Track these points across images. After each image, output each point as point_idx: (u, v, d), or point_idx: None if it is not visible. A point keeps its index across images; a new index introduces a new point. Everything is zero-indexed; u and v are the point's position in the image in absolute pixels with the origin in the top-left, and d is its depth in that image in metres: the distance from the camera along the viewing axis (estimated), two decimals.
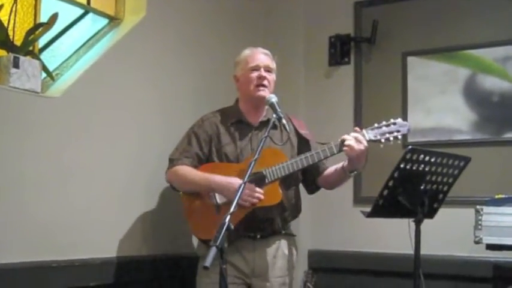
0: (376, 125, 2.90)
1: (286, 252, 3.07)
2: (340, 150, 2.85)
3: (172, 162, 3.06)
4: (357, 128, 2.89)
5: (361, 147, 2.80)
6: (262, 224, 2.97)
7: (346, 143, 2.80)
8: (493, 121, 3.87)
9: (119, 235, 3.19)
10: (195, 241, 3.28)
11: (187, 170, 2.99)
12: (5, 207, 2.63)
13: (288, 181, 2.99)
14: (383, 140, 2.86)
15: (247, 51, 3.12)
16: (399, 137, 2.88)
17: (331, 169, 3.07)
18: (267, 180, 2.87)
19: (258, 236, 2.97)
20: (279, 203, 2.90)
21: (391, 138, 2.87)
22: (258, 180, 2.85)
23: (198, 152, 3.04)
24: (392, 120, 2.89)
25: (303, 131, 3.14)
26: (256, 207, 2.84)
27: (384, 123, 2.89)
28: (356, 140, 2.81)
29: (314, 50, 4.44)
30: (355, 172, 2.95)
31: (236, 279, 2.95)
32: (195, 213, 2.99)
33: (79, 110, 3.00)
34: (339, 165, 3.01)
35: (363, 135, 2.84)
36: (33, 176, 2.76)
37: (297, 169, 2.90)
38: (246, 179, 2.30)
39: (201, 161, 3.04)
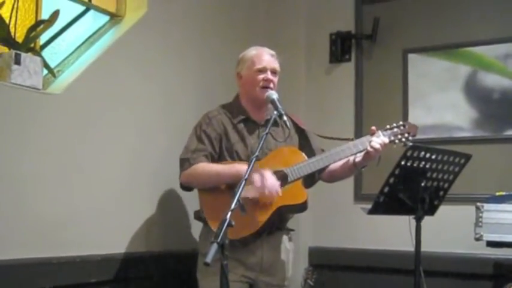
0: (388, 126, 3.01)
1: (288, 246, 3.11)
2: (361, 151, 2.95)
3: (187, 161, 2.96)
4: (373, 128, 2.98)
5: (382, 149, 2.91)
6: (282, 222, 3.02)
7: (373, 144, 2.89)
8: (493, 118, 3.87)
9: (120, 232, 3.19)
10: (196, 237, 3.28)
11: (208, 165, 2.93)
12: (5, 204, 2.63)
13: (307, 179, 3.01)
14: (397, 141, 2.98)
15: (253, 51, 3.09)
16: (410, 138, 2.98)
17: (337, 164, 3.07)
18: (289, 179, 2.87)
19: (266, 233, 2.97)
20: (305, 201, 2.91)
21: (403, 140, 2.98)
22: (280, 179, 2.85)
23: (211, 151, 2.98)
24: (401, 122, 3.02)
25: (304, 126, 3.17)
26: (282, 205, 2.85)
27: (395, 124, 3.01)
28: (381, 144, 2.90)
29: (315, 47, 4.44)
30: (366, 167, 3.04)
31: (243, 277, 2.95)
32: (218, 212, 2.70)
33: (80, 106, 3.00)
34: (348, 161, 3.04)
35: (383, 139, 2.93)
36: (34, 173, 2.76)
37: (319, 168, 2.94)
38: (246, 175, 2.30)
39: (214, 160, 3.00)
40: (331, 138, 3.09)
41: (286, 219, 3.09)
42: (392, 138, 2.97)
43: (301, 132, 3.17)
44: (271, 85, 3.00)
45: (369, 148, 2.90)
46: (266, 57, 3.05)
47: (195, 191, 3.04)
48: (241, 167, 2.74)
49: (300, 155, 2.98)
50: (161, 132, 3.44)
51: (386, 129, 2.99)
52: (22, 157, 2.72)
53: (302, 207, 2.94)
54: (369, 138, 2.93)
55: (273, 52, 3.09)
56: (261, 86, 2.99)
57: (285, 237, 3.10)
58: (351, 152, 2.94)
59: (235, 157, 2.98)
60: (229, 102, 3.17)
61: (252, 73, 3.02)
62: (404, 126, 3.01)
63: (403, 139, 2.98)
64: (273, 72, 3.04)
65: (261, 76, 3.00)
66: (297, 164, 2.90)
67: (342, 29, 4.35)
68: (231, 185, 2.82)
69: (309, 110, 4.30)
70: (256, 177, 2.76)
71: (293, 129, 3.10)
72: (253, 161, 2.36)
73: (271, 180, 2.78)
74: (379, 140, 2.90)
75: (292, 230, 3.16)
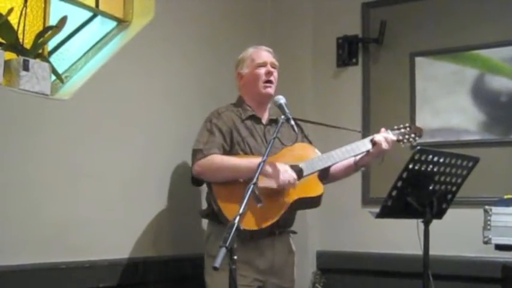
0: (395, 127, 3.11)
1: (293, 248, 3.14)
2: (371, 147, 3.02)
3: (201, 152, 2.93)
4: (383, 129, 3.07)
5: (387, 147, 3.00)
6: (291, 219, 3.04)
7: (376, 139, 2.98)
8: (501, 121, 3.87)
9: (128, 236, 3.20)
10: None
11: (225, 157, 2.93)
12: (14, 209, 2.64)
13: (322, 175, 3.03)
14: (405, 141, 3.09)
15: (251, 49, 3.20)
16: (417, 139, 3.10)
17: (338, 164, 3.10)
18: (304, 173, 2.90)
19: (277, 233, 2.99)
20: (321, 194, 2.94)
21: (411, 140, 3.11)
22: (296, 173, 2.86)
23: (222, 142, 2.97)
24: (407, 124, 3.14)
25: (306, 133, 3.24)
26: (299, 197, 2.87)
27: (402, 126, 3.12)
28: (385, 139, 2.99)
29: (322, 51, 4.45)
30: (364, 168, 3.14)
31: (254, 281, 2.94)
32: (233, 201, 2.75)
33: (88, 112, 3.02)
34: (349, 161, 3.09)
35: (386, 135, 3.03)
36: (42, 178, 2.77)
37: (335, 162, 2.99)
38: (255, 179, 2.30)
39: (225, 152, 2.98)
40: (340, 128, 3.26)
41: (293, 219, 3.10)
42: (400, 137, 3.07)
43: (306, 138, 3.23)
44: (272, 78, 3.08)
45: (375, 139, 2.98)
46: (264, 53, 3.15)
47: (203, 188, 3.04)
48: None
49: (313, 150, 3.03)
50: (169, 137, 3.45)
51: (394, 129, 3.09)
52: (30, 163, 2.73)
53: (317, 200, 2.96)
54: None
55: (269, 49, 3.20)
56: (264, 80, 3.07)
57: (290, 239, 3.13)
58: (366, 148, 3.00)
59: (247, 150, 2.99)
60: (235, 102, 3.21)
61: (253, 69, 3.11)
62: (410, 127, 3.11)
63: (411, 139, 3.08)
64: (273, 66, 3.12)
65: (262, 70, 3.08)
66: (311, 158, 2.93)
67: (349, 33, 4.35)
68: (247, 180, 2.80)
69: (316, 114, 4.29)
70: (271, 170, 2.80)
71: (300, 135, 3.10)
72: (261, 166, 2.36)
73: (287, 172, 2.81)
74: (383, 134, 3.01)
75: (295, 233, 3.17)
